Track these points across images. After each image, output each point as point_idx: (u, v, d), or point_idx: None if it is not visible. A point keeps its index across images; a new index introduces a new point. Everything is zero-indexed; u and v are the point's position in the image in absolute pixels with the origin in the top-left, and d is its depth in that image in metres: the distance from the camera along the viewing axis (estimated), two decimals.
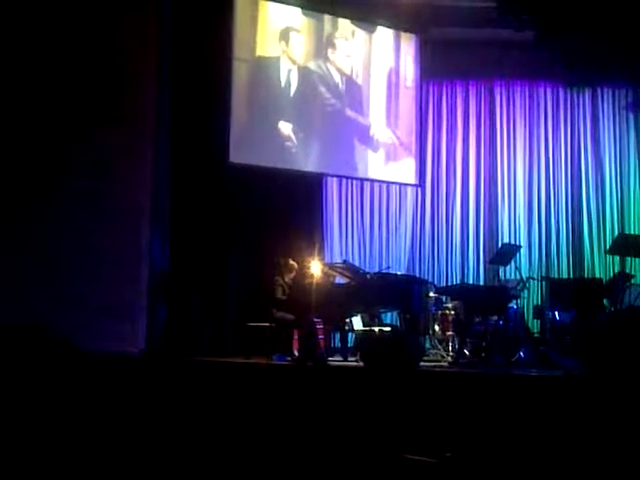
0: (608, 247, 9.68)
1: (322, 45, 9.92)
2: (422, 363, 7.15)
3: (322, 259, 9.04)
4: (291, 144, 9.58)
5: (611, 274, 9.87)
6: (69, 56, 8.48)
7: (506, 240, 10.38)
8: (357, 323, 8.35)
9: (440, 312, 8.31)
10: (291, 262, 8.30)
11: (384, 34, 10.34)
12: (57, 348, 5.77)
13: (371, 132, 10.17)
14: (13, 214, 8.21)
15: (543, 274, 9.95)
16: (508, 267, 9.05)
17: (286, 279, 8.21)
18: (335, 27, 10.01)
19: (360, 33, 10.18)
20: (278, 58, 9.60)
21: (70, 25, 8.48)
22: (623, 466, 4.61)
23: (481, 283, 10.33)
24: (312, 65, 9.82)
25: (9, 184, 8.24)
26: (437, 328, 8.28)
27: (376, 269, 9.62)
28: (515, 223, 10.78)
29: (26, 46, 8.35)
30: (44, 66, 8.42)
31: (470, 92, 11.00)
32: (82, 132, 8.48)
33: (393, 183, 10.67)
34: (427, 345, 8.28)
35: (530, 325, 8.93)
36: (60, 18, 8.46)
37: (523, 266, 9.87)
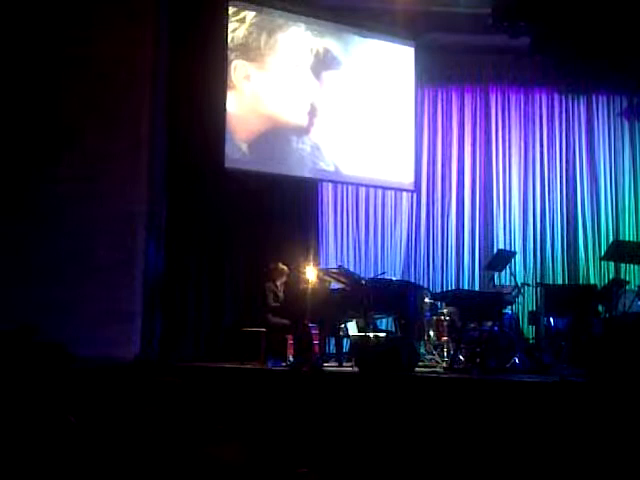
0: (603, 253, 9.70)
1: (318, 54, 9.94)
2: (417, 369, 7.15)
3: (317, 264, 9.03)
4: (288, 148, 9.59)
5: (606, 280, 9.89)
6: (65, 59, 8.48)
7: (501, 246, 10.39)
8: (352, 328, 8.35)
9: (435, 318, 8.31)
10: (281, 266, 8.25)
11: (379, 41, 10.37)
12: (47, 352, 5.74)
13: (369, 136, 10.18)
14: (8, 218, 8.19)
15: (538, 280, 9.97)
16: (503, 273, 9.07)
17: (278, 283, 8.19)
18: (329, 38, 10.03)
19: (356, 40, 10.22)
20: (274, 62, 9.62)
21: (66, 29, 8.48)
22: (619, 471, 4.62)
23: (476, 289, 10.32)
24: (306, 71, 9.85)
25: (4, 188, 8.22)
26: (432, 334, 8.28)
27: (371, 274, 9.62)
28: (510, 229, 10.79)
29: (21, 50, 8.34)
30: (40, 70, 8.42)
31: (465, 98, 11.01)
32: (78, 136, 8.47)
33: (388, 188, 10.68)
34: (422, 351, 8.26)
35: (525, 331, 8.94)
36: (56, 22, 8.46)
37: (518, 272, 9.84)
